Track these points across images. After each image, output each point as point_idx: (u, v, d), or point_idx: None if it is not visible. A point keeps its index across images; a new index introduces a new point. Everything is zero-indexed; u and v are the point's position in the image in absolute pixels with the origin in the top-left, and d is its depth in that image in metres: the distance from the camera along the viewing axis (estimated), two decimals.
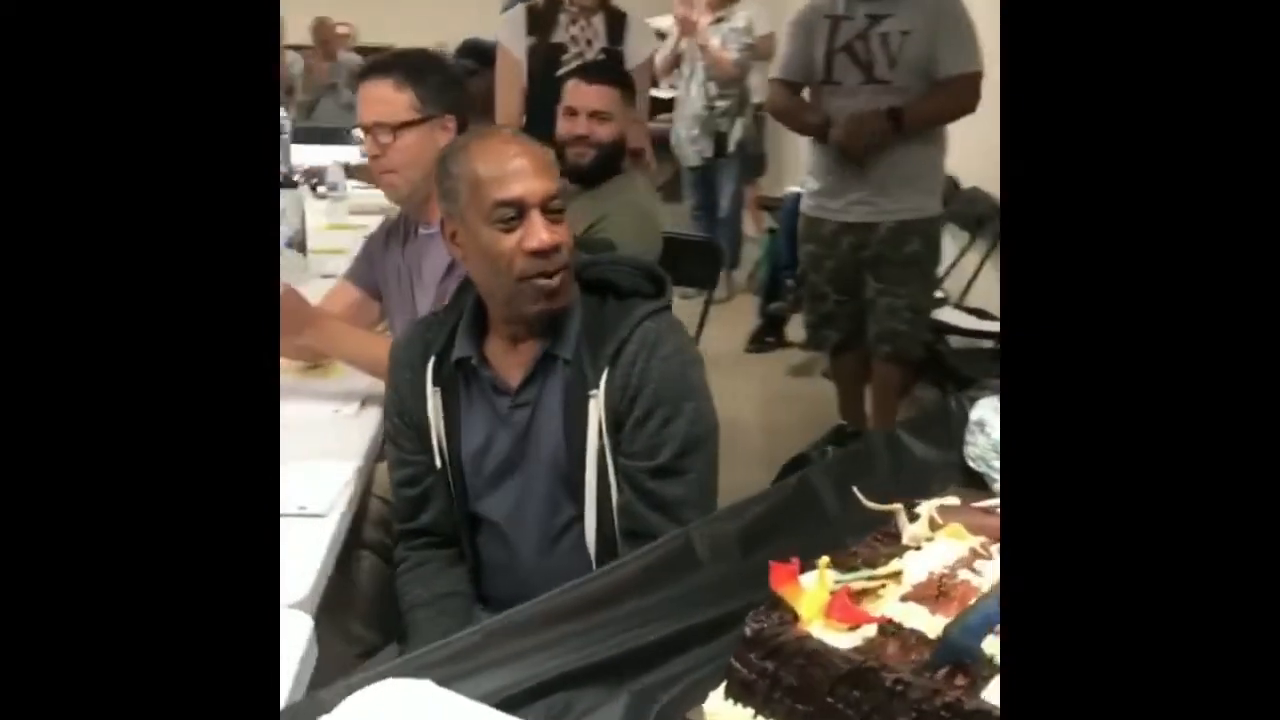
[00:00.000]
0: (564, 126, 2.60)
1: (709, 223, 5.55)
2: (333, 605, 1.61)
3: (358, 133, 2.27)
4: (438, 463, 1.64)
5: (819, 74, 3.08)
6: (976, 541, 1.05)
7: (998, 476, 1.35)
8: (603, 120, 2.55)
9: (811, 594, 0.92)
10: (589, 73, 2.70)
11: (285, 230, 2.75)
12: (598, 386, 1.54)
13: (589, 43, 3.29)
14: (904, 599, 0.95)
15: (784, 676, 0.90)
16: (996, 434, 1.37)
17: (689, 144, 5.43)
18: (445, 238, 1.62)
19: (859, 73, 3.00)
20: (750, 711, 0.92)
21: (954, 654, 0.84)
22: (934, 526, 1.08)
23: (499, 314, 1.59)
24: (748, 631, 0.92)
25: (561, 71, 3.09)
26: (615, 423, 1.54)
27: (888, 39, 2.97)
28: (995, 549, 1.06)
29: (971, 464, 1.41)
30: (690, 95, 5.36)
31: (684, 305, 2.00)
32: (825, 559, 0.95)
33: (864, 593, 0.95)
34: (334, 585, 1.56)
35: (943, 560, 1.02)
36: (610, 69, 2.95)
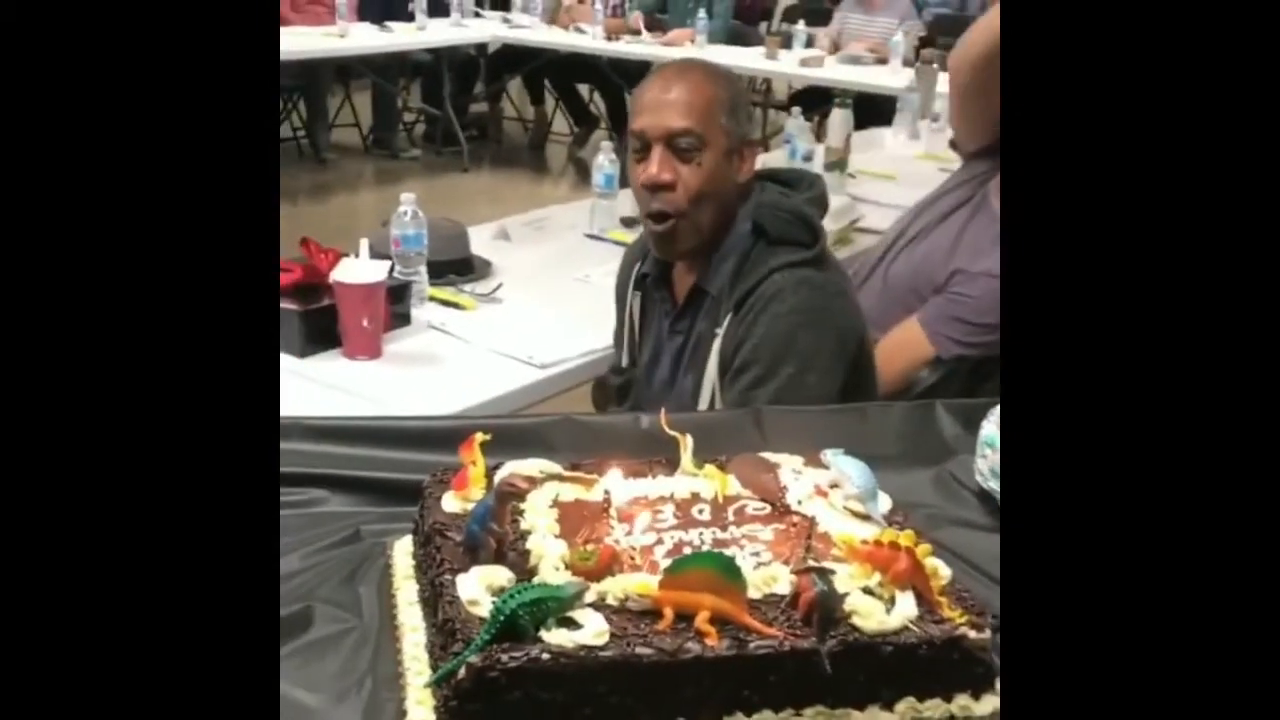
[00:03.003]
0: None
1: None
2: None
3: None
4: (626, 360, 1.80)
5: None
6: (716, 491, 1.04)
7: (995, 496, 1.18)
8: None
9: (472, 463, 1.03)
10: None
11: None
12: (721, 328, 1.57)
13: None
14: (553, 504, 1.01)
15: (420, 524, 1.04)
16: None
17: None
18: None
19: None
20: (411, 549, 1.07)
21: (468, 538, 0.93)
22: (700, 465, 1.08)
23: None
24: (424, 482, 1.07)
25: None
26: (723, 367, 1.56)
27: None
28: (739, 505, 1.03)
29: (980, 479, 1.23)
30: None
31: None
32: (482, 435, 1.04)
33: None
34: None
35: (651, 493, 1.03)
36: None
